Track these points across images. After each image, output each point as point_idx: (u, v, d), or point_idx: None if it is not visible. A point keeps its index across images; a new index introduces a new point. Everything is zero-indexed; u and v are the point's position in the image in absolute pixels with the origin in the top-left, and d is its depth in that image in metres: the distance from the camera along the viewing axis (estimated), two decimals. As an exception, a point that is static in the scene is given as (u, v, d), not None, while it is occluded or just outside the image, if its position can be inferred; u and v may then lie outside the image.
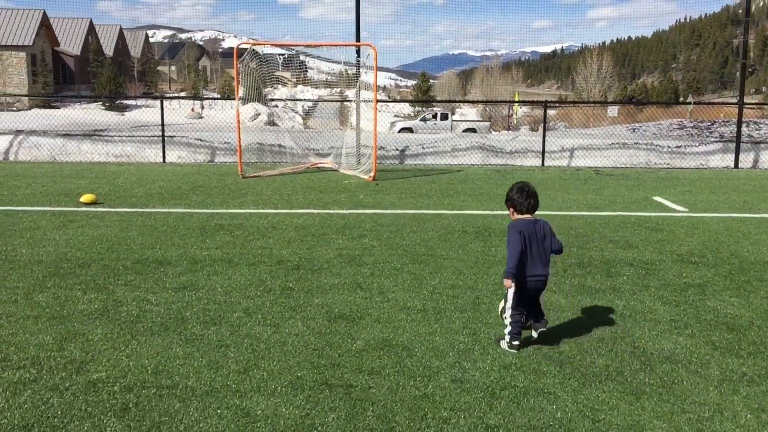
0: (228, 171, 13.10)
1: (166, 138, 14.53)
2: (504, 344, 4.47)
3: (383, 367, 4.15)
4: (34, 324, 4.79)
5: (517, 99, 42.85)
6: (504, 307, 4.53)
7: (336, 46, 12.34)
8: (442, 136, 16.08)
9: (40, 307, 5.15)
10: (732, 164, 14.36)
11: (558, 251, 4.56)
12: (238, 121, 12.15)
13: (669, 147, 14.80)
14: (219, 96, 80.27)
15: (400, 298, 5.49)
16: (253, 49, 12.45)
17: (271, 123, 48.24)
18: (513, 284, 4.40)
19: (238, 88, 11.93)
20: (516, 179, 11.59)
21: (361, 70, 13.07)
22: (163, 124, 14.31)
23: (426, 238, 7.61)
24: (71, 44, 65.26)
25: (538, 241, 4.46)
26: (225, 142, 15.10)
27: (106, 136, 15.35)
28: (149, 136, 15.30)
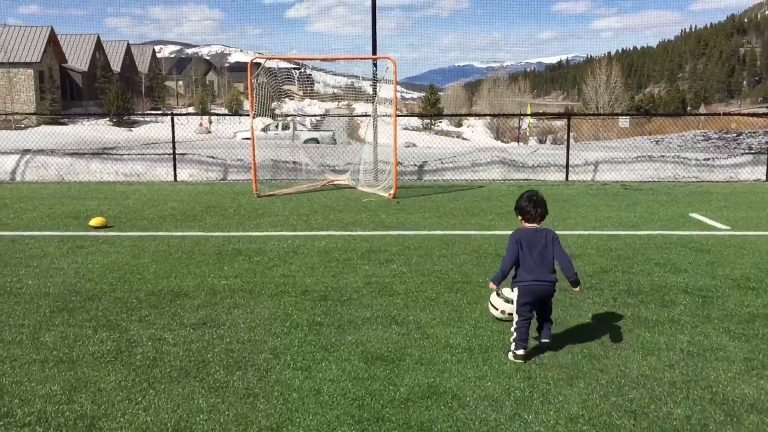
0: (242, 190, 12.66)
1: (177, 156, 14.12)
2: (509, 355, 4.49)
3: (434, 420, 3.66)
4: (41, 370, 4.33)
5: (529, 111, 42.41)
6: (514, 311, 4.56)
7: (354, 59, 11.93)
8: (462, 150, 15.60)
9: (47, 348, 4.69)
10: (763, 176, 13.83)
11: (564, 264, 4.51)
12: (253, 138, 11.73)
13: (697, 159, 14.29)
14: (227, 111, 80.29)
15: (440, 334, 5.00)
16: (261, 63, 12.04)
17: (279, 136, 48.07)
18: (496, 288, 4.60)
19: (252, 104, 11.51)
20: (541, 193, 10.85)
21: (377, 84, 12.65)
22: (174, 142, 13.91)
23: (458, 263, 7.13)
24: (79, 60, 65.30)
25: (539, 248, 4.48)
26: (237, 160, 14.68)
27: (115, 154, 14.96)
28: (159, 154, 14.89)
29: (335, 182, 13.19)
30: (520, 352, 4.42)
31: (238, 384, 4.13)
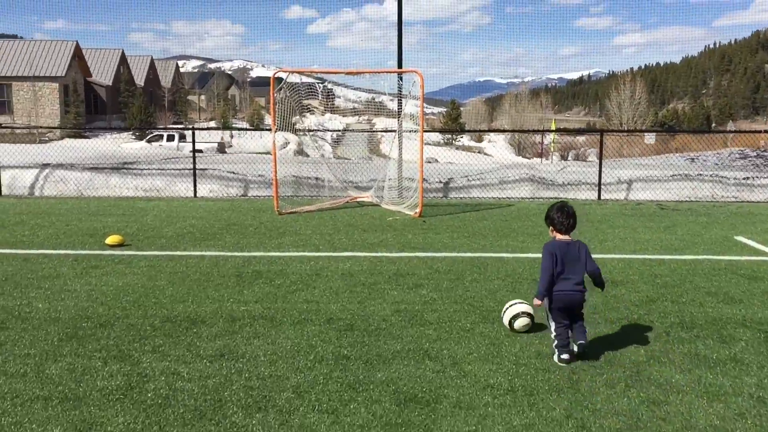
0: (263, 206, 12.31)
1: (197, 171, 13.83)
2: (555, 358, 4.67)
3: (479, 479, 3.22)
4: (44, 408, 3.95)
5: (554, 127, 41.83)
6: (548, 325, 4.83)
7: (379, 72, 11.57)
8: (488, 167, 15.16)
9: (52, 383, 4.31)
10: (807, 197, 13.23)
11: (594, 272, 4.76)
12: (275, 153, 11.40)
13: (736, 178, 13.72)
14: (248, 125, 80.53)
15: (479, 371, 4.56)
16: (284, 78, 11.72)
17: (300, 152, 47.80)
18: (542, 304, 4.72)
19: (274, 119, 11.19)
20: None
21: (404, 99, 12.28)
22: (195, 157, 13.61)
23: (492, 289, 6.68)
24: (103, 75, 65.86)
25: (572, 260, 4.68)
26: (259, 175, 14.35)
27: (135, 169, 14.71)
28: (179, 169, 14.61)
29: (358, 199, 12.81)
30: (565, 356, 4.60)
31: (258, 429, 3.72)
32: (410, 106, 11.75)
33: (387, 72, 11.58)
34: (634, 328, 5.49)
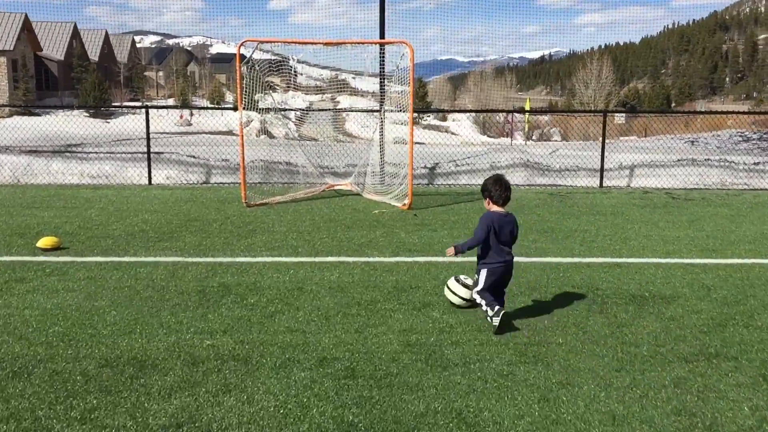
0: (228, 196, 10.82)
1: (152, 155, 12.22)
2: (488, 318, 4.81)
3: None
4: None
5: (528, 107, 40.75)
6: (474, 292, 5.03)
7: (363, 44, 10.09)
8: (477, 151, 13.85)
9: None
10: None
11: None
12: (242, 136, 9.90)
13: (745, 164, 12.65)
14: (209, 102, 77.99)
15: (542, 451, 3.26)
16: (253, 49, 10.20)
17: (264, 131, 45.92)
18: (454, 254, 4.93)
19: (240, 96, 9.68)
20: (578, 205, 9.21)
21: (386, 74, 10.87)
22: (148, 139, 11.98)
23: (521, 309, 5.39)
24: (54, 49, 62.72)
25: (506, 231, 4.91)
26: (223, 160, 12.80)
27: (81, 152, 13.01)
28: (132, 153, 12.96)
29: (336, 187, 11.40)
30: (498, 307, 4.77)
31: None
32: (396, 82, 10.35)
33: (372, 43, 10.09)
34: (716, 368, 4.25)
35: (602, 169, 12.09)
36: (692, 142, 16.57)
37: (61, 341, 4.62)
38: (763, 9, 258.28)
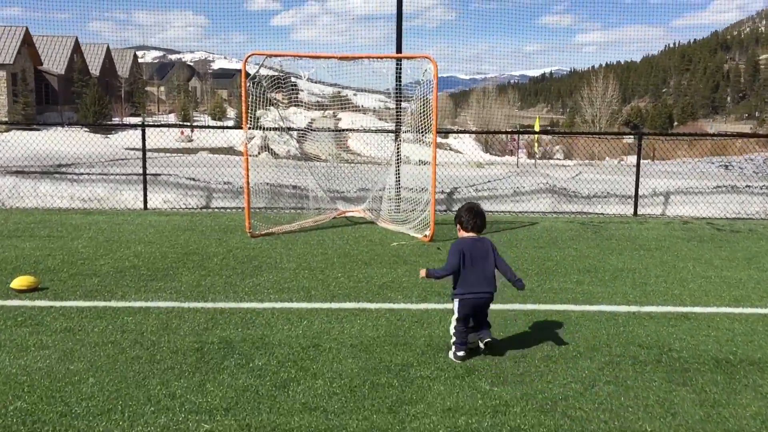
0: (230, 224, 9.88)
1: (149, 177, 11.29)
2: (450, 354, 4.68)
3: None
4: None
5: (537, 125, 39.85)
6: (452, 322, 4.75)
7: (382, 58, 9.18)
8: (498, 174, 12.94)
9: None
10: None
11: (506, 273, 4.71)
12: (246, 158, 8.98)
13: (790, 192, 11.72)
14: (210, 118, 77.34)
15: None
16: (260, 63, 9.29)
17: (266, 147, 45.04)
18: (426, 278, 4.71)
19: (246, 114, 8.78)
20: (616, 237, 8.29)
21: (402, 90, 9.99)
22: (144, 160, 11.06)
23: (584, 379, 4.43)
24: (55, 63, 62.10)
25: (481, 258, 4.65)
26: (225, 183, 11.87)
27: (71, 173, 12.07)
28: (127, 175, 12.03)
29: (348, 214, 10.48)
30: (461, 353, 4.61)
31: None
32: (416, 100, 9.45)
33: (392, 57, 9.17)
34: None
35: (637, 196, 11.16)
36: (726, 166, 15.65)
37: (22, 424, 3.68)
38: (763, 29, 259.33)
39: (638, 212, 11.25)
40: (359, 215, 10.38)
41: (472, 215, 4.79)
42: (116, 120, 64.28)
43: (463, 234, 4.82)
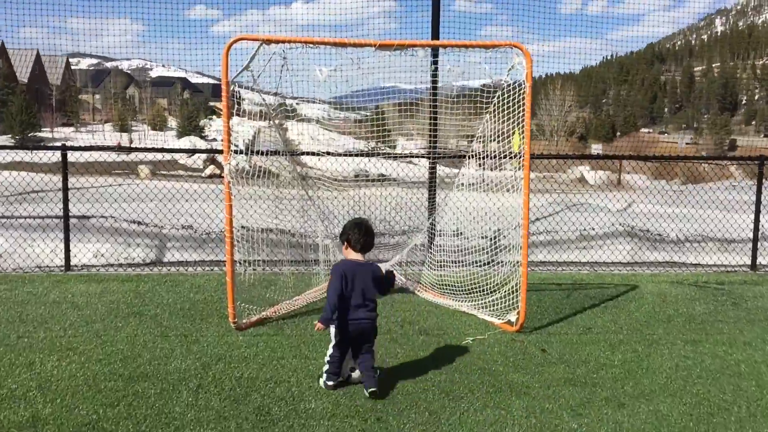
0: (199, 299, 6.57)
1: (74, 221, 7.87)
2: (321, 381, 4.43)
3: None
4: None
5: (517, 140, 37.15)
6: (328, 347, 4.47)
7: (458, 46, 5.78)
8: (538, 203, 9.91)
9: None
10: None
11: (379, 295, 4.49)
12: (229, 197, 5.63)
13: None
14: (150, 128, 72.79)
15: None
16: (255, 52, 5.98)
17: (212, 160, 41.03)
18: (325, 329, 4.35)
19: (227, 125, 5.49)
20: (757, 309, 4.42)
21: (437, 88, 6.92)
22: (66, 197, 7.57)
23: None
24: (-23, 69, 56.96)
25: (363, 283, 4.38)
26: (185, 227, 8.53)
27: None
28: (42, 218, 8.53)
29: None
30: (331, 383, 4.38)
31: None
32: (500, 109, 6.34)
33: (473, 46, 5.75)
34: None
35: (756, 240, 8.28)
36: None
37: None
38: (694, 41, 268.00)
39: (757, 263, 8.38)
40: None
41: (362, 233, 4.51)
42: (46, 131, 59.36)
43: (350, 254, 4.53)
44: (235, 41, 5.35)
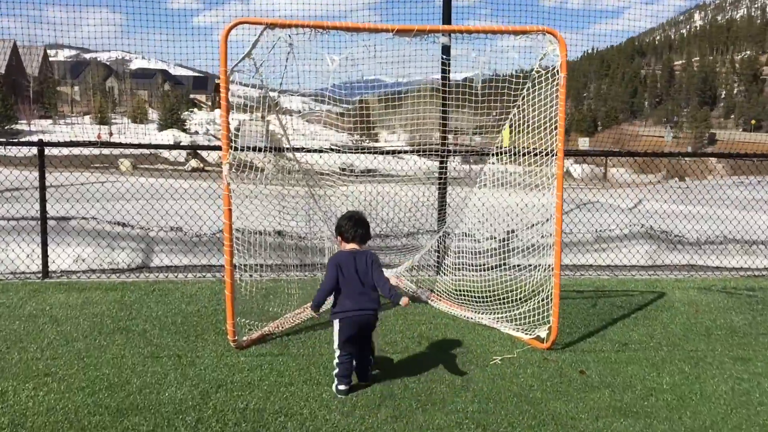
0: (191, 311, 5.96)
1: (51, 222, 7.21)
2: (333, 387, 4.25)
3: None
4: None
5: (507, 134, 36.69)
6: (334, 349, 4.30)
7: (495, 32, 5.17)
8: (543, 201, 9.39)
9: None
10: None
11: (380, 286, 4.26)
12: (228, 201, 5.03)
13: None
14: (130, 120, 71.53)
15: None
16: (260, 34, 5.35)
17: (194, 154, 40.11)
18: (319, 316, 4.38)
19: (226, 120, 4.89)
20: None
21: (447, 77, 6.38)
22: (43, 197, 6.92)
23: None
24: (-50, 59, 55.50)
25: (359, 273, 4.25)
26: (173, 228, 7.90)
27: None
28: (17, 219, 7.86)
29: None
30: (343, 387, 4.21)
31: None
32: (534, 99, 5.79)
33: (501, 32, 5.16)
34: None
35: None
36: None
37: None
38: (674, 36, 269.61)
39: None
40: (400, 287, 6.61)
41: (354, 224, 4.41)
42: (23, 123, 58.05)
43: (345, 246, 4.43)
44: (236, 24, 4.73)
